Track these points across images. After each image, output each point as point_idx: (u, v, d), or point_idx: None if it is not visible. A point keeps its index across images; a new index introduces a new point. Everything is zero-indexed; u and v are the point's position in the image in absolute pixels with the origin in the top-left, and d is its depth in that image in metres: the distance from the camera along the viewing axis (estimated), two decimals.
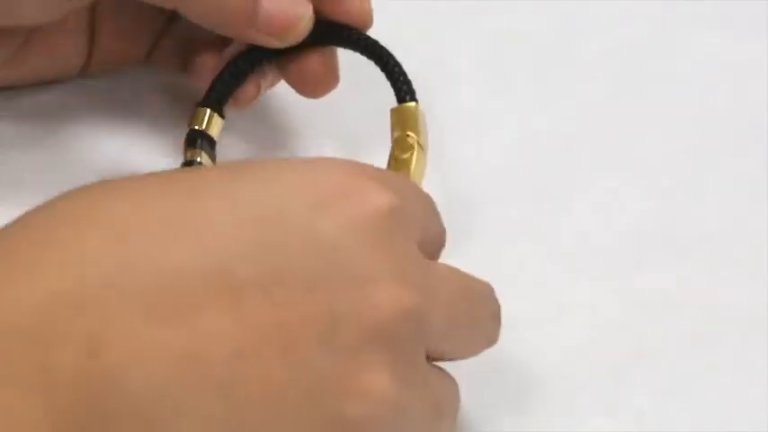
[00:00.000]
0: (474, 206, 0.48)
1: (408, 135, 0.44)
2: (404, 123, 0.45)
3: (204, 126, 0.46)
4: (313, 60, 0.47)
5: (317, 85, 0.48)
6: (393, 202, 0.36)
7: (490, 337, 0.40)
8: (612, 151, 0.51)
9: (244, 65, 0.47)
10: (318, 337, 0.34)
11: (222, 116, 0.47)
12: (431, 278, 0.37)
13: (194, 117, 0.46)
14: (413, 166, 0.44)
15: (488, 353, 0.43)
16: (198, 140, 0.46)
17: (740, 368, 0.44)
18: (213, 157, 0.46)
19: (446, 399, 0.38)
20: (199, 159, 0.45)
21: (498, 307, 0.40)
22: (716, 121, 0.52)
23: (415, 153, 0.44)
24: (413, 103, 0.45)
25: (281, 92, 0.49)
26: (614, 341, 0.45)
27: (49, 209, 0.35)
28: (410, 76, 0.47)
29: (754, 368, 0.44)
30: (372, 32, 0.47)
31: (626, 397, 0.43)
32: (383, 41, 0.47)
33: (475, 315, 0.39)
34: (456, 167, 0.49)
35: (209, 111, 0.46)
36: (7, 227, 0.35)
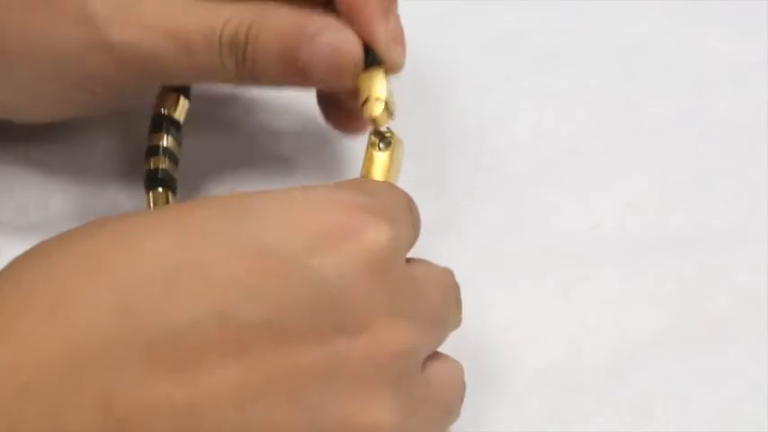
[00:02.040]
0: (475, 205, 0.48)
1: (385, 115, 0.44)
2: (372, 86, 0.44)
3: (169, 110, 0.46)
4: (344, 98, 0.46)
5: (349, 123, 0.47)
6: (389, 237, 0.36)
7: (457, 322, 0.40)
8: (612, 150, 0.51)
9: None
10: (324, 379, 0.34)
11: (188, 98, 0.46)
12: (419, 295, 0.37)
13: (160, 100, 0.46)
14: (391, 164, 0.43)
15: (490, 351, 0.44)
16: (163, 124, 0.45)
17: (741, 367, 0.44)
18: (179, 141, 0.46)
19: (454, 390, 0.39)
20: (165, 144, 0.45)
21: (459, 292, 0.40)
22: (716, 121, 0.52)
23: (393, 147, 0.43)
24: (379, 68, 0.44)
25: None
26: (617, 340, 0.45)
27: (45, 262, 0.34)
28: (411, 77, 0.47)
29: (756, 367, 0.44)
30: None
31: (628, 396, 0.43)
32: None
33: (447, 308, 0.39)
34: (457, 167, 0.49)
35: (174, 94, 0.46)
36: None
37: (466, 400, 0.39)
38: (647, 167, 0.50)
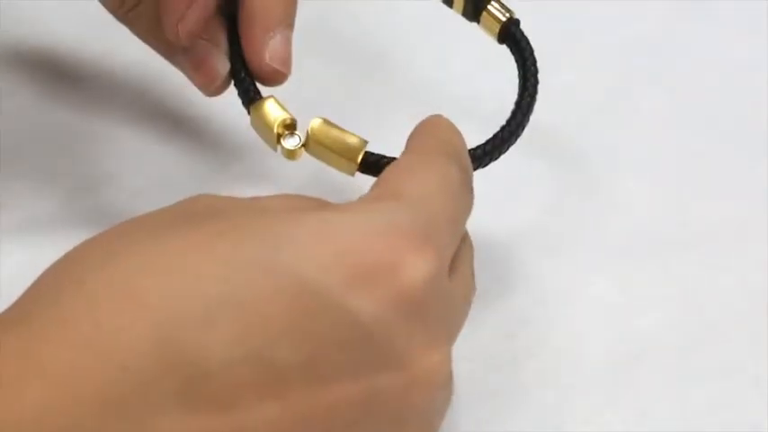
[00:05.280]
0: (476, 205, 0.48)
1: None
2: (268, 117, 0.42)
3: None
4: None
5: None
6: (429, 269, 0.35)
7: None
8: (612, 150, 0.51)
9: None
10: (360, 416, 0.34)
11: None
12: (456, 312, 0.37)
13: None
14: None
15: (491, 353, 0.44)
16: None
17: (741, 367, 0.44)
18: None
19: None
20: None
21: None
22: (716, 120, 0.52)
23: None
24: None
25: None
26: (617, 340, 0.45)
27: (79, 288, 0.33)
28: (412, 77, 0.47)
29: (756, 367, 0.44)
30: (377, 34, 0.47)
31: (628, 396, 0.43)
32: (387, 42, 0.46)
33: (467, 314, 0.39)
34: None
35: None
36: (28, 303, 0.33)
37: (468, 401, 0.39)
38: (648, 167, 0.50)
